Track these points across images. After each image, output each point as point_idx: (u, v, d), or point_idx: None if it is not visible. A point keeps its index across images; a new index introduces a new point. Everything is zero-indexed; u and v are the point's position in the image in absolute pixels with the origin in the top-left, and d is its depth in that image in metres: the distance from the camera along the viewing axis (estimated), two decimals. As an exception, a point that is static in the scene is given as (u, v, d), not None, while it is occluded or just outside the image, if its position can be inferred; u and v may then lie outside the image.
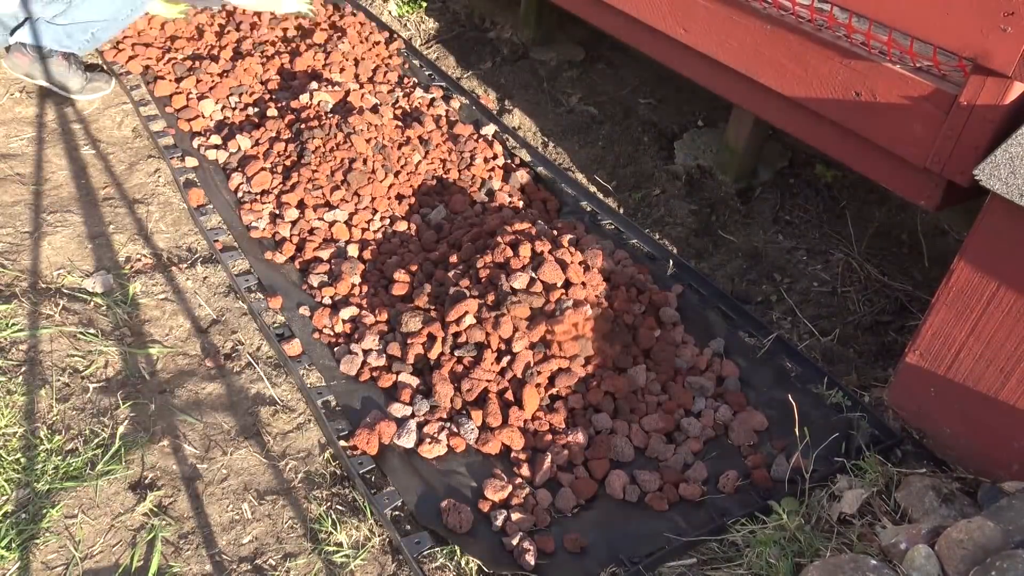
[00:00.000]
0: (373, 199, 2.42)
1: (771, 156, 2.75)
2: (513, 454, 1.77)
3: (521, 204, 2.52)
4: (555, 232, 2.19)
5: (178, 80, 2.90)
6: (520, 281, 1.97)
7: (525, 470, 1.73)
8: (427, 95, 2.97)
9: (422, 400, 1.85)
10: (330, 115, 2.62)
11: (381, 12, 3.60)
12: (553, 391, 1.87)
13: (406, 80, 3.09)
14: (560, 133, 2.98)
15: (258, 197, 2.43)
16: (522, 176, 2.62)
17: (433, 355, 1.91)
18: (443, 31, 3.66)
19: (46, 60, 2.70)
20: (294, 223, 2.35)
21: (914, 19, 1.61)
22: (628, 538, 1.62)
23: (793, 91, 1.92)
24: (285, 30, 3.28)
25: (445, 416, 1.83)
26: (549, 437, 1.78)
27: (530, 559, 1.55)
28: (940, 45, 1.59)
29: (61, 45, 2.70)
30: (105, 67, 2.99)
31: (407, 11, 3.73)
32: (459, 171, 2.61)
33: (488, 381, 1.85)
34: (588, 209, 2.53)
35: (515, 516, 1.63)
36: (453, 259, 2.16)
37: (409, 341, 1.95)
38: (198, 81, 2.88)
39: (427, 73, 3.19)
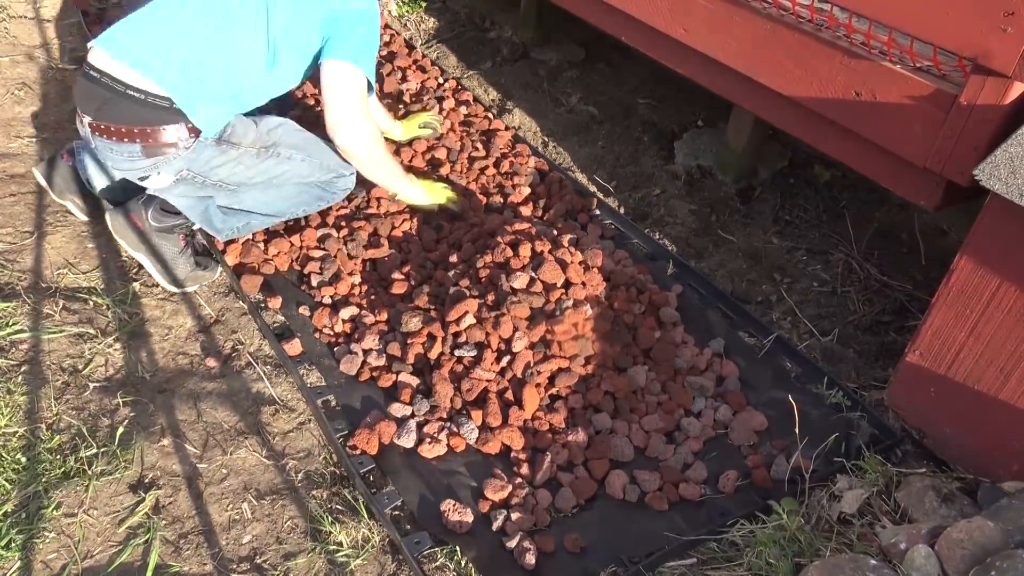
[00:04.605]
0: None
1: (771, 156, 2.74)
2: (513, 454, 1.77)
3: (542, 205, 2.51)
4: (555, 232, 2.19)
5: None
6: (520, 281, 1.97)
7: (525, 470, 1.73)
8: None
9: (422, 400, 1.85)
10: None
11: (381, 12, 3.60)
12: (553, 391, 1.87)
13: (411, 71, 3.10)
14: (560, 133, 2.98)
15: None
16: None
17: (433, 355, 1.91)
18: (443, 31, 3.66)
19: (161, 234, 2.11)
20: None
21: (914, 19, 1.61)
22: (628, 538, 1.62)
23: (793, 91, 1.92)
24: None
25: (445, 416, 1.83)
26: (549, 437, 1.78)
27: (530, 559, 1.55)
28: (940, 45, 1.59)
29: (208, 224, 2.10)
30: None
31: (407, 11, 3.73)
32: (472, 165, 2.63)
33: (488, 381, 1.85)
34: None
35: (515, 516, 1.63)
36: (453, 259, 2.16)
37: (409, 341, 1.95)
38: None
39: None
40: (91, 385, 1.87)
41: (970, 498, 1.55)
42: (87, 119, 1.90)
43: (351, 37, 2.01)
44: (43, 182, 2.31)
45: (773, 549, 1.50)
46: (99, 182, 2.20)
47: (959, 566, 1.30)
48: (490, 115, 2.94)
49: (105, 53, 1.86)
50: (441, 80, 3.13)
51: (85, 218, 2.33)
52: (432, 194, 2.37)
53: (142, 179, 1.99)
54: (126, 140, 1.88)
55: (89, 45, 1.91)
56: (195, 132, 1.92)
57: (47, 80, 3.06)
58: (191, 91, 1.88)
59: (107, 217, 2.13)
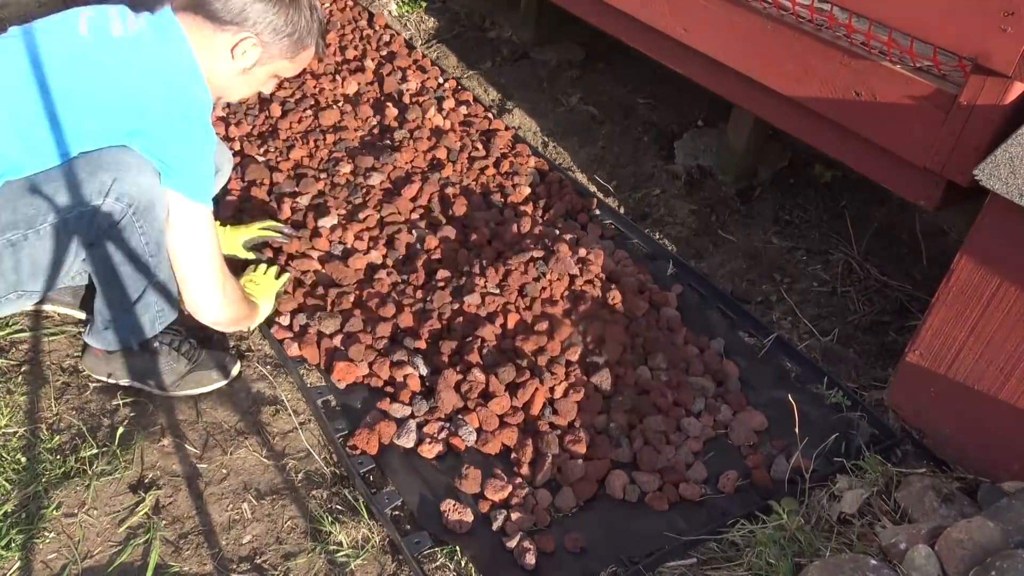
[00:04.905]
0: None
1: (771, 156, 2.74)
2: (513, 454, 1.77)
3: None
4: (557, 232, 2.19)
5: None
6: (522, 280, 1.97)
7: (525, 470, 1.73)
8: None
9: (422, 400, 1.85)
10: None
11: (381, 12, 3.60)
12: (554, 391, 1.87)
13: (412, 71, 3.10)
14: (560, 133, 2.98)
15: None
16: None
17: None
18: (443, 31, 3.66)
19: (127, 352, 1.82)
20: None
21: (914, 19, 1.61)
22: (628, 538, 1.62)
23: (793, 91, 1.92)
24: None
25: (444, 416, 1.83)
26: (550, 437, 1.78)
27: (530, 559, 1.55)
28: (940, 45, 1.59)
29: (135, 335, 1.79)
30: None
31: (407, 11, 3.73)
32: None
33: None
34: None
35: (515, 516, 1.62)
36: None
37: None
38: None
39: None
40: (91, 385, 1.87)
41: (970, 498, 1.55)
42: None
43: (184, 164, 1.58)
44: None
45: (773, 549, 1.50)
46: None
47: (959, 566, 1.30)
48: (490, 115, 2.94)
49: None
50: (441, 80, 3.13)
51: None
52: (269, 295, 2.00)
53: None
54: None
55: None
56: None
57: (47, 80, 3.06)
58: None
59: (81, 364, 1.89)
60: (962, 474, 1.64)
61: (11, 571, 1.49)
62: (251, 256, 2.17)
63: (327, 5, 3.57)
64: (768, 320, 2.21)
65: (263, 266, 2.08)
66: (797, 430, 1.69)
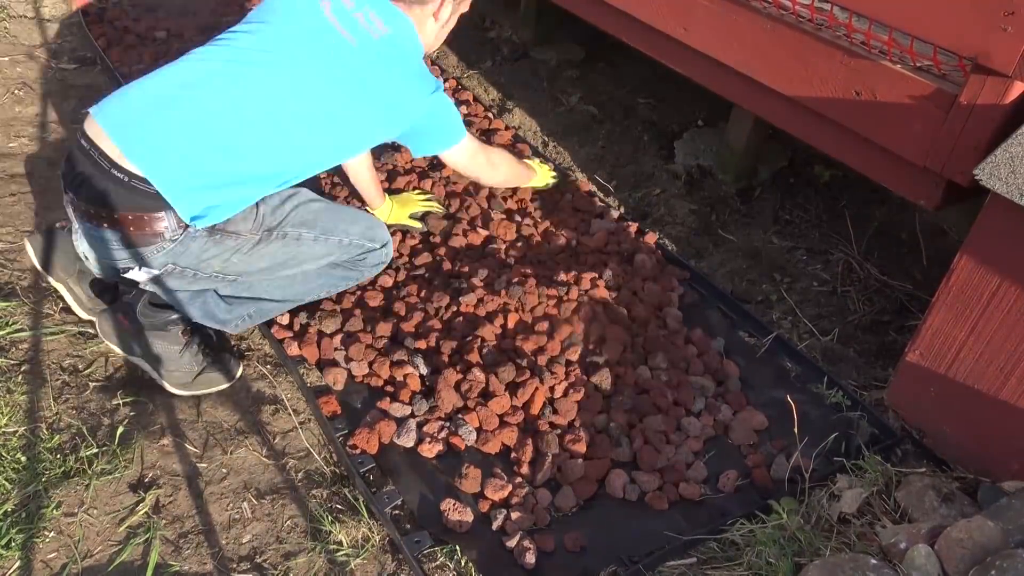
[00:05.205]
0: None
1: (771, 156, 2.74)
2: (513, 454, 1.77)
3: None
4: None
5: None
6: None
7: (525, 469, 1.73)
8: None
9: (422, 400, 1.85)
10: None
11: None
12: (554, 390, 1.87)
13: None
14: (560, 133, 2.98)
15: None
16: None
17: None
18: (443, 31, 3.65)
19: (155, 332, 1.84)
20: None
21: (914, 18, 1.61)
22: (628, 538, 1.62)
23: (793, 90, 1.92)
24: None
25: (444, 416, 1.83)
26: (550, 437, 1.78)
27: (530, 558, 1.55)
28: (940, 44, 1.59)
29: (211, 319, 1.85)
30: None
31: (407, 11, 3.72)
32: None
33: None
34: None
35: (515, 515, 1.62)
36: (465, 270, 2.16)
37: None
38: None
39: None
40: (91, 385, 1.87)
41: (970, 498, 1.55)
42: (69, 196, 1.66)
43: (436, 125, 1.84)
44: (35, 260, 1.95)
45: (773, 549, 1.50)
46: (93, 262, 1.74)
47: (959, 566, 1.30)
48: (490, 115, 2.94)
49: (97, 124, 1.61)
50: (441, 80, 3.13)
51: (84, 315, 1.97)
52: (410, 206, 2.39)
53: (123, 271, 1.69)
54: (105, 226, 1.61)
55: (85, 112, 1.66)
56: (183, 224, 1.63)
57: (47, 80, 3.06)
58: (182, 180, 1.60)
59: (96, 320, 1.89)
60: (962, 474, 1.64)
61: (11, 571, 1.49)
62: (417, 225, 2.36)
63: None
64: (768, 320, 2.21)
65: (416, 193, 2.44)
66: (796, 430, 1.69)
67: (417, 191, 2.49)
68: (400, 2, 1.75)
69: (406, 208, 2.38)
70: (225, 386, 1.90)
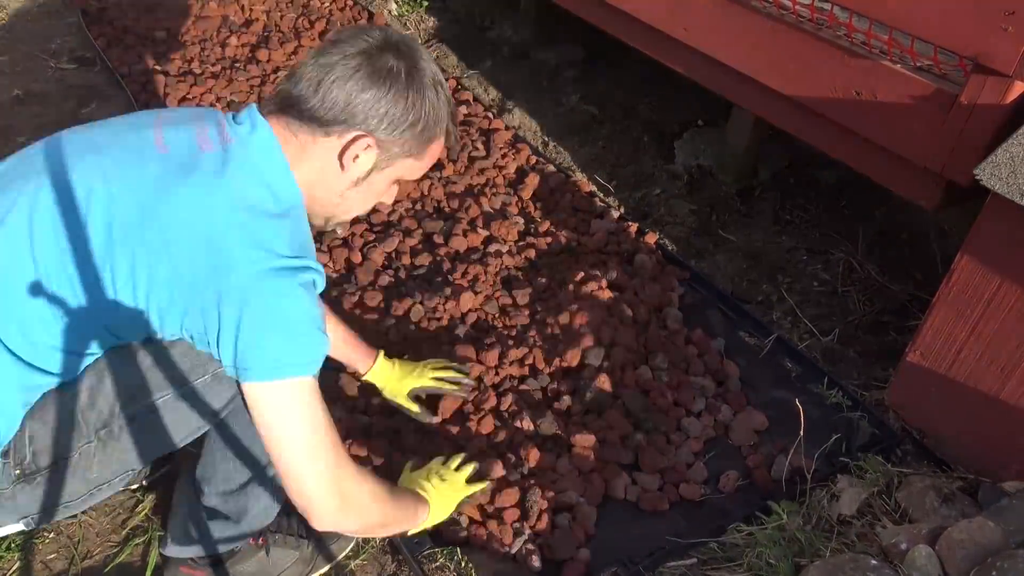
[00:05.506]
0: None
1: (771, 156, 2.74)
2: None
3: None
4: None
5: None
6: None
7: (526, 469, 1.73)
8: None
9: (422, 400, 1.84)
10: None
11: (381, 11, 3.60)
12: (555, 391, 1.86)
13: None
14: (560, 133, 2.98)
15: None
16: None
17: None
18: (443, 30, 3.66)
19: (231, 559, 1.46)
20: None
21: (914, 18, 1.61)
22: (628, 538, 1.62)
23: (793, 90, 1.92)
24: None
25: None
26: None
27: (531, 560, 1.54)
28: (940, 44, 1.59)
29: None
30: None
31: (407, 10, 3.73)
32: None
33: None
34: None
35: (516, 516, 1.62)
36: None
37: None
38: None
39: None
40: (91, 385, 1.87)
41: (971, 498, 1.55)
42: None
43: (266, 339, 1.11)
44: None
45: (773, 549, 1.49)
46: None
47: (960, 566, 1.30)
48: (490, 115, 2.94)
49: None
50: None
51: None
52: (448, 502, 1.56)
53: None
54: None
55: None
56: None
57: (47, 80, 3.06)
58: None
59: None
60: (963, 474, 1.64)
61: (11, 571, 1.49)
62: (415, 408, 1.73)
63: (326, 5, 3.57)
64: (768, 320, 2.20)
65: (456, 460, 1.62)
66: (803, 432, 1.67)
67: (439, 365, 1.80)
68: (282, 119, 1.22)
69: (411, 379, 1.74)
70: (347, 551, 1.58)
